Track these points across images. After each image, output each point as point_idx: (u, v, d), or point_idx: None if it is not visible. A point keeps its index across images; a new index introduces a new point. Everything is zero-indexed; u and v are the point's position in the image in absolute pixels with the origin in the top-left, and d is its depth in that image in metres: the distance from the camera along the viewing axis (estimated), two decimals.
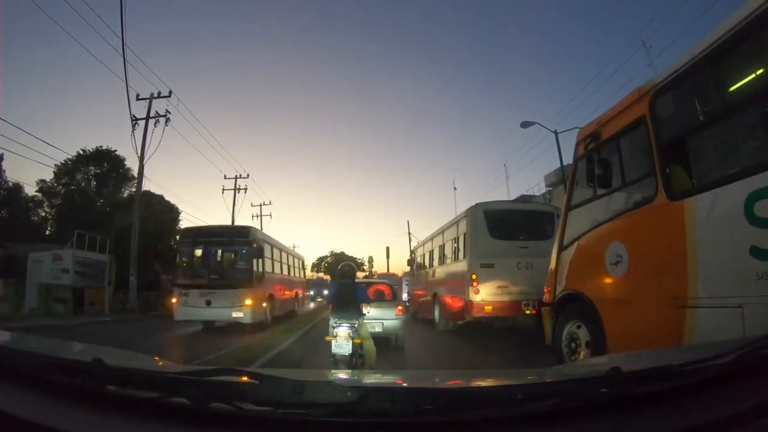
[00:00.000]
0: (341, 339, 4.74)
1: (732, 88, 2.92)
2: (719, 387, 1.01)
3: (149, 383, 1.07)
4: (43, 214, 25.96)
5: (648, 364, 1.24)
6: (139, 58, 35.90)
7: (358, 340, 4.80)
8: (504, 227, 9.32)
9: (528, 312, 8.53)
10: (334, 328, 4.86)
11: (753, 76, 2.71)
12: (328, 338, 4.94)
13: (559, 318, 4.54)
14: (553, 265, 4.79)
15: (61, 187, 24.88)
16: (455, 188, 45.94)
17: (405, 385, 1.63)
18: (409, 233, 37.24)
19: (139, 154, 17.20)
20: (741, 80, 2.83)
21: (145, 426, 0.96)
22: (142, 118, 17.21)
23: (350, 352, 4.71)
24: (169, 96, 17.81)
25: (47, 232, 24.65)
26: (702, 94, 3.15)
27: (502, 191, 38.80)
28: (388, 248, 75.95)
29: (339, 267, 5.58)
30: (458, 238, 10.44)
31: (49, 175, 24.65)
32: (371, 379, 2.09)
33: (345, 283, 5.29)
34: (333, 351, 4.76)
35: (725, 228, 2.69)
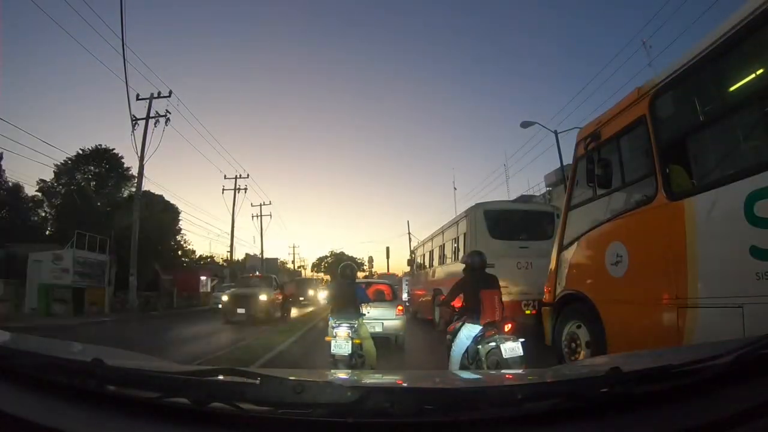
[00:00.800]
0: (341, 339, 4.72)
1: (732, 88, 2.92)
2: (719, 387, 1.01)
3: (149, 383, 1.07)
4: (43, 214, 25.97)
5: (648, 364, 1.23)
6: (139, 58, 35.94)
7: (357, 340, 4.79)
8: (504, 227, 9.31)
9: (528, 312, 8.51)
10: (333, 328, 4.84)
11: (753, 76, 2.70)
12: (327, 338, 4.93)
13: (559, 318, 4.54)
14: (553, 265, 4.79)
15: (61, 187, 24.87)
16: (455, 188, 45.89)
17: (405, 385, 1.63)
18: (409, 233, 37.23)
19: (139, 154, 17.23)
20: (741, 80, 2.83)
21: (145, 426, 0.96)
22: (142, 118, 17.23)
23: (350, 352, 4.69)
24: (169, 96, 17.85)
25: (47, 232, 24.65)
26: (702, 94, 3.14)
27: (502, 191, 38.80)
28: (388, 248, 75.50)
29: (339, 267, 5.58)
30: (458, 238, 10.43)
31: (49, 175, 24.68)
32: (371, 379, 2.08)
33: (345, 283, 5.29)
34: (333, 351, 4.74)
35: (725, 228, 2.69)
